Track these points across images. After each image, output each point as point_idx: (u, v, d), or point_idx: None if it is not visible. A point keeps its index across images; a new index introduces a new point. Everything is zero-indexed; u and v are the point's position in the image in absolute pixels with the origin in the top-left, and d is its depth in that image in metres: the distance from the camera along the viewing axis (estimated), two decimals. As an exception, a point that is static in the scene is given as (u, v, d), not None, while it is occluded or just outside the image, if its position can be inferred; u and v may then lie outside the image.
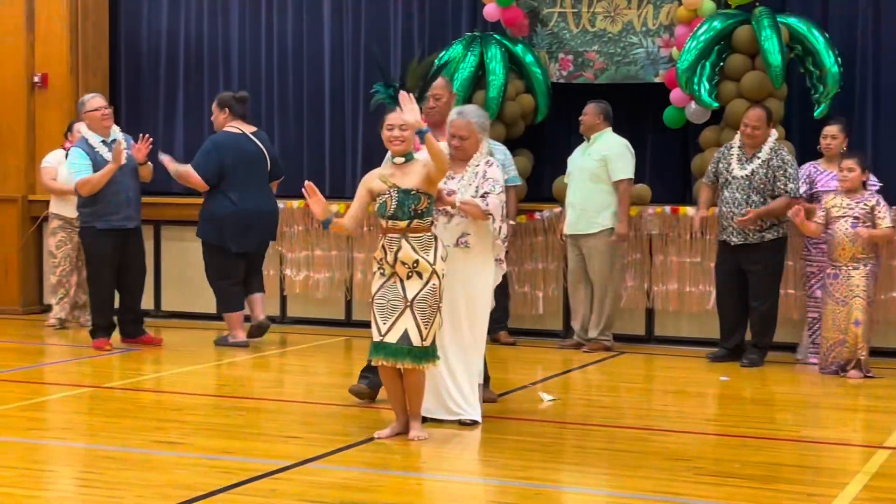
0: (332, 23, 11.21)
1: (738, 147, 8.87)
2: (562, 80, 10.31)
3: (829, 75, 9.35)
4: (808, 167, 8.93)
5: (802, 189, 8.81)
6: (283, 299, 10.81)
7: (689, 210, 9.58)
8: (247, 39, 11.50)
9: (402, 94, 6.13)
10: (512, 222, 9.79)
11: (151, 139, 9.21)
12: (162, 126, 11.68)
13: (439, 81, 7.18)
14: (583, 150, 9.50)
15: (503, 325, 9.88)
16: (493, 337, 9.83)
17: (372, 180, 6.35)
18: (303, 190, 6.37)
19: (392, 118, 6.30)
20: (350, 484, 5.53)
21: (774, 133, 8.90)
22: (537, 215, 10.04)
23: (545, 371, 8.68)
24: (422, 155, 6.33)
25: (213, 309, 10.60)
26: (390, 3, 11.02)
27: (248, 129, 9.52)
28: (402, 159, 6.33)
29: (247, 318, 9.56)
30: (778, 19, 9.41)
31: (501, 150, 9.73)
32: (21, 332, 10.33)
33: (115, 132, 9.27)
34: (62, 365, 8.98)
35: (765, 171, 8.71)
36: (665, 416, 7.33)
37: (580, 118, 9.48)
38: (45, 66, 11.45)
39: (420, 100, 6.78)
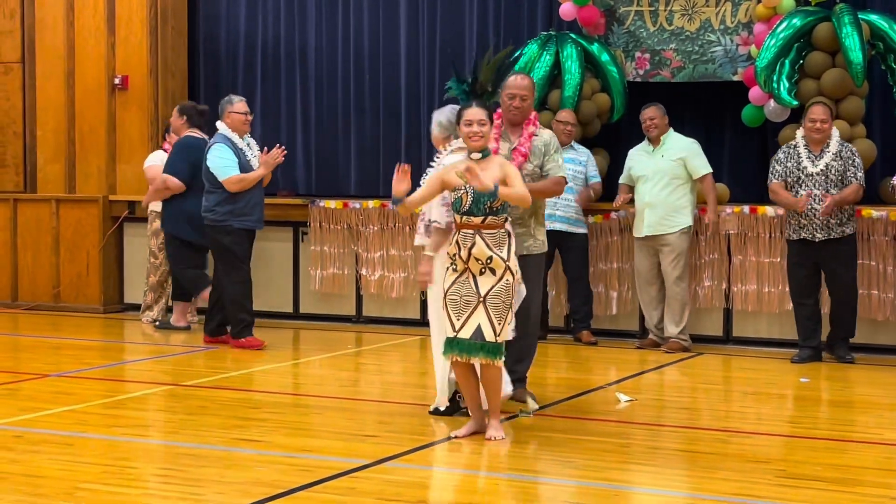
0: (408, 23, 11.25)
1: (804, 146, 8.77)
2: (638, 79, 10.25)
3: (912, 72, 9.21)
4: None
5: None
6: (359, 299, 10.87)
7: (769, 209, 9.47)
8: (323, 40, 11.58)
9: (471, 168, 6.07)
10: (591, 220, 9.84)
11: (286, 150, 9.47)
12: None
13: (526, 82, 7.04)
14: (650, 152, 9.45)
15: (586, 324, 9.86)
16: (575, 336, 9.86)
17: (448, 173, 6.34)
18: (397, 167, 6.30)
19: (470, 113, 6.30)
20: (427, 483, 5.54)
21: (836, 130, 8.83)
22: (613, 215, 9.99)
23: (622, 371, 8.64)
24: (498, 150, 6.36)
25: (289, 308, 10.73)
26: (466, 3, 11.04)
27: (206, 137, 9.98)
28: (479, 155, 6.33)
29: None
30: (859, 16, 9.28)
31: (585, 152, 9.78)
32: (103, 331, 10.48)
33: (248, 137, 9.49)
34: (143, 363, 9.10)
35: (838, 163, 8.68)
36: (744, 417, 7.26)
37: (649, 123, 9.41)
38: (126, 68, 11.62)
39: (493, 94, 6.75)
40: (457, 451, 6.13)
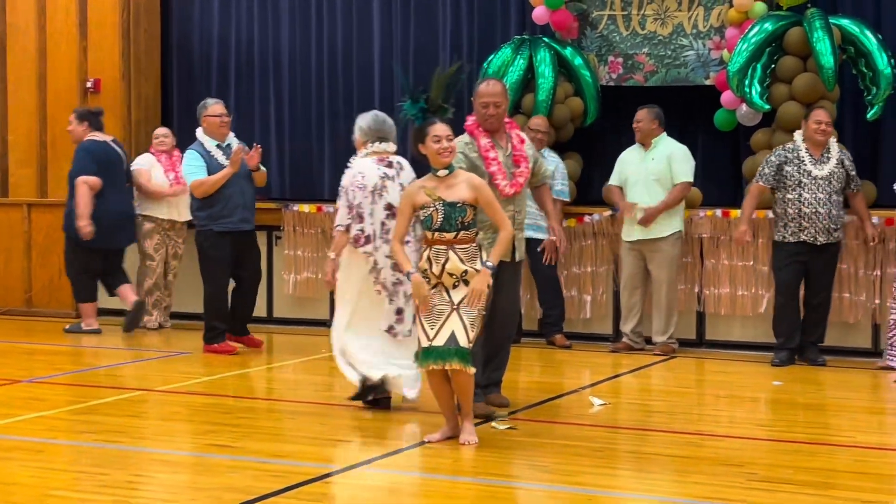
0: (382, 27, 11.24)
1: (805, 150, 8.81)
2: (611, 83, 10.27)
3: (882, 77, 9.25)
4: None
5: None
6: (333, 303, 10.78)
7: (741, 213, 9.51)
8: (297, 45, 11.55)
9: (474, 293, 6.17)
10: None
11: (261, 147, 9.58)
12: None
13: (498, 88, 7.02)
14: (641, 155, 9.46)
15: (559, 328, 9.87)
16: (549, 339, 9.86)
17: (416, 193, 6.37)
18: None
19: (438, 130, 6.32)
20: (400, 488, 5.53)
21: (834, 136, 8.91)
22: (587, 219, 10.00)
23: (595, 375, 8.65)
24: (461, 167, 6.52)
25: (263, 312, 10.69)
26: (439, 7, 11.03)
27: (108, 138, 10.45)
28: (446, 171, 6.34)
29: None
30: (830, 20, 9.32)
31: (554, 160, 9.75)
32: (74, 336, 10.41)
33: (231, 138, 9.47)
34: (115, 368, 9.05)
35: (840, 169, 8.81)
36: (717, 420, 7.28)
37: (635, 125, 9.43)
38: (98, 72, 11.57)
39: (447, 109, 6.73)
40: (430, 456, 6.12)
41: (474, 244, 6.32)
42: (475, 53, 10.73)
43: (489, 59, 10.31)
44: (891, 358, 8.63)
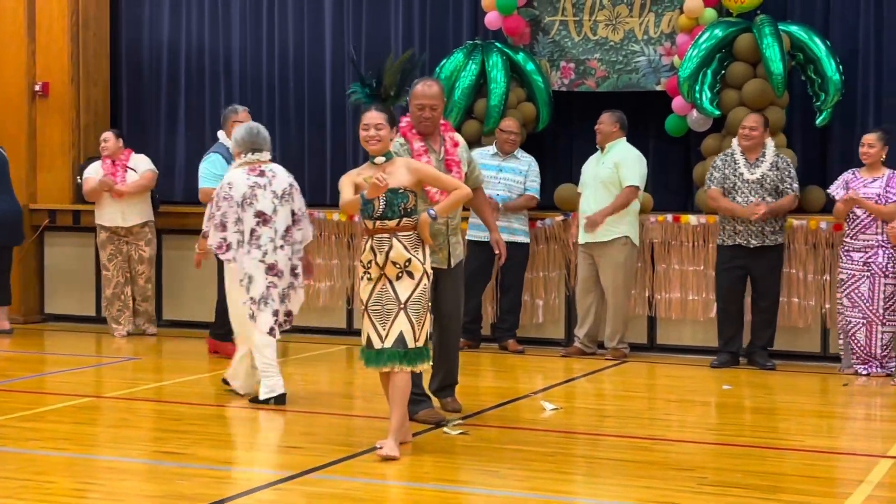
0: (333, 31, 11.21)
1: (740, 153, 8.91)
2: (563, 89, 10.30)
3: (831, 83, 9.35)
4: (847, 174, 8.90)
5: (839, 195, 8.79)
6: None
7: (691, 218, 9.57)
8: (248, 49, 11.50)
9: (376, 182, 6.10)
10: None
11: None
12: (164, 136, 11.69)
13: (434, 90, 6.88)
14: (597, 159, 9.48)
15: (512, 333, 9.88)
16: (501, 344, 9.87)
17: (356, 177, 6.26)
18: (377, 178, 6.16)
19: (367, 118, 6.25)
20: (352, 494, 5.51)
21: (771, 140, 8.95)
22: (539, 223, 10.02)
23: (548, 380, 8.67)
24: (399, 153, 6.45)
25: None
26: (391, 12, 11.02)
27: None
28: (383, 159, 6.27)
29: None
30: (779, 27, 9.41)
31: (528, 160, 9.81)
32: (22, 342, 10.30)
33: None
34: (62, 375, 8.96)
35: (774, 172, 8.88)
36: (668, 425, 7.31)
37: (596, 127, 9.44)
38: (46, 75, 11.45)
39: (397, 97, 6.61)
40: (382, 462, 6.09)
41: (416, 232, 6.23)
42: (427, 58, 10.71)
43: (441, 63, 10.32)
44: (857, 363, 8.73)
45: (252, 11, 11.48)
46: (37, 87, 11.44)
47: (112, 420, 7.18)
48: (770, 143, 8.98)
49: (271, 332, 7.44)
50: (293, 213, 7.61)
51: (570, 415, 7.49)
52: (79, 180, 11.15)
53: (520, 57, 10.21)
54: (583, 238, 9.44)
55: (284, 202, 7.54)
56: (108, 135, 10.61)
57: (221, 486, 5.56)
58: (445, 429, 6.74)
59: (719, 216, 9.08)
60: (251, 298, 7.42)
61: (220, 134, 9.25)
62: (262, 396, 7.45)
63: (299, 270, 7.65)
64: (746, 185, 8.89)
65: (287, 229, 7.53)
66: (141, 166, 10.52)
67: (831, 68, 9.35)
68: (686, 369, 9.13)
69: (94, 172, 10.51)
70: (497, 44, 10.29)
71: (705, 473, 5.94)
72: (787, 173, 8.91)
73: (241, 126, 7.78)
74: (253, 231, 7.41)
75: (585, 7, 10.16)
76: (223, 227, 7.45)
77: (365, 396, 7.91)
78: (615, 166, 9.32)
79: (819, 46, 9.42)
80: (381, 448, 6.16)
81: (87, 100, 11.55)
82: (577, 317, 9.68)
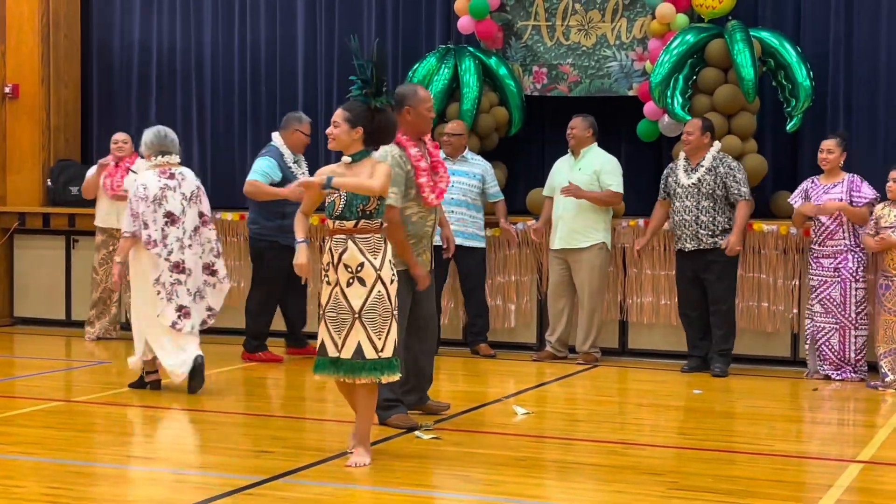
0: (306, 33, 11.20)
1: (684, 159, 9.03)
2: (536, 93, 10.32)
3: (802, 89, 9.40)
4: (807, 182, 8.94)
5: (798, 202, 8.84)
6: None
7: (664, 225, 9.60)
8: (220, 50, 11.47)
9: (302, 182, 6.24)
10: (488, 233, 9.87)
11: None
12: (135, 137, 11.61)
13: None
14: (570, 164, 9.49)
15: (483, 337, 9.88)
16: (473, 349, 9.87)
17: (318, 177, 6.20)
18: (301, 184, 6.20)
19: (334, 115, 6.23)
20: (323, 499, 5.50)
21: (717, 144, 9.07)
22: (511, 228, 10.02)
23: (519, 384, 8.67)
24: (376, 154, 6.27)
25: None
26: (364, 15, 11.02)
27: None
28: (350, 158, 6.19)
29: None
30: (750, 33, 9.45)
31: (482, 164, 9.81)
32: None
33: (300, 156, 9.45)
34: (32, 379, 8.90)
35: (712, 177, 8.92)
36: (639, 429, 7.33)
37: (568, 132, 9.45)
38: (17, 76, 11.39)
39: (385, 97, 6.42)
40: (352, 467, 6.08)
41: (378, 236, 6.08)
42: (400, 62, 10.72)
43: (414, 67, 10.32)
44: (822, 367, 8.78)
45: (224, 12, 11.46)
46: (7, 89, 11.39)
47: (82, 424, 7.14)
48: (714, 147, 9.00)
49: (174, 325, 7.86)
50: (201, 215, 8.04)
51: (542, 419, 7.50)
52: (49, 183, 11.10)
53: (492, 61, 10.22)
54: (558, 244, 9.46)
55: (193, 203, 7.99)
56: (126, 136, 10.48)
57: (193, 490, 5.53)
58: (418, 433, 6.74)
59: (672, 221, 9.17)
60: (157, 292, 7.84)
61: (275, 136, 9.31)
62: (147, 379, 8.06)
63: (217, 268, 8.06)
64: (684, 190, 8.97)
65: (195, 229, 7.99)
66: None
67: (802, 74, 9.40)
68: (657, 374, 9.16)
69: (92, 174, 10.42)
70: (470, 48, 10.30)
71: (676, 478, 5.96)
72: (731, 179, 8.87)
73: (149, 130, 8.12)
74: (163, 230, 7.84)
75: (558, 12, 10.19)
76: (146, 225, 7.82)
77: (336, 401, 7.88)
78: (595, 173, 9.34)
79: (790, 52, 9.47)
80: (351, 454, 6.14)
81: (57, 101, 11.50)
82: (548, 321, 9.70)
